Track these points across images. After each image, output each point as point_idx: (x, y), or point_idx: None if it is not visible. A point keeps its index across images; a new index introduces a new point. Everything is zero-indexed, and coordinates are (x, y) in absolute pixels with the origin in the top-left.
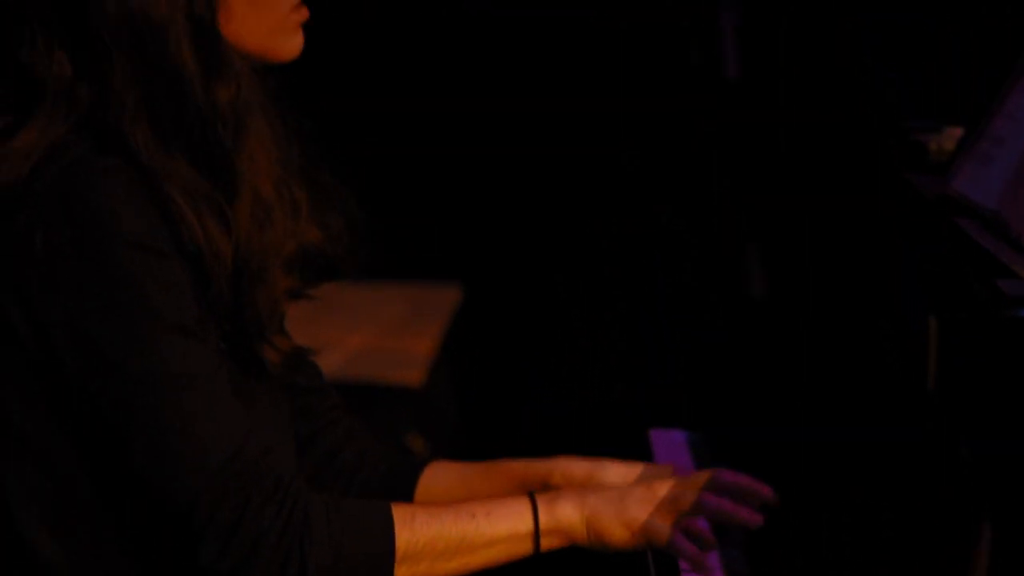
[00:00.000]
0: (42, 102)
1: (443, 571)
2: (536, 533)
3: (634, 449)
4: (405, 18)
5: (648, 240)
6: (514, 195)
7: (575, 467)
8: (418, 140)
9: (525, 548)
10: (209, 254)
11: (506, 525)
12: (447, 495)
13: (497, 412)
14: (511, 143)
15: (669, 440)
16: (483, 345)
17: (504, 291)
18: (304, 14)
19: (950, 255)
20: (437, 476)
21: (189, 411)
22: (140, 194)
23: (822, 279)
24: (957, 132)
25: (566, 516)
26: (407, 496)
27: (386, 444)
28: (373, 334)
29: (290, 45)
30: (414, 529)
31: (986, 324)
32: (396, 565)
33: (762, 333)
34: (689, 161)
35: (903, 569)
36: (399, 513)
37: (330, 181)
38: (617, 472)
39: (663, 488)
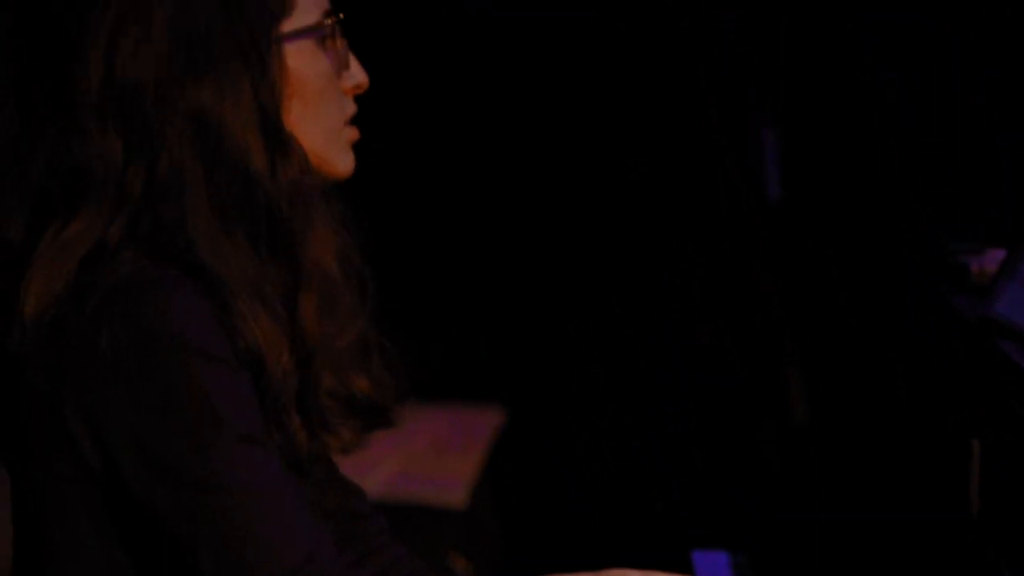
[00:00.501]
0: (92, 194)
1: None
2: None
3: (676, 569)
4: (401, 20)
5: (692, 354)
6: (556, 300)
7: None
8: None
9: None
10: (269, 352)
11: None
12: None
13: (540, 532)
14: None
15: (712, 561)
16: (525, 466)
17: (545, 412)
18: (355, 134)
19: (992, 378)
20: None
21: (259, 519)
22: (203, 299)
23: (862, 393)
24: (999, 254)
25: None
26: None
27: (430, 566)
28: (416, 455)
29: (343, 162)
30: None
31: None
32: None
33: (806, 448)
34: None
35: None
36: None
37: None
38: None
39: None
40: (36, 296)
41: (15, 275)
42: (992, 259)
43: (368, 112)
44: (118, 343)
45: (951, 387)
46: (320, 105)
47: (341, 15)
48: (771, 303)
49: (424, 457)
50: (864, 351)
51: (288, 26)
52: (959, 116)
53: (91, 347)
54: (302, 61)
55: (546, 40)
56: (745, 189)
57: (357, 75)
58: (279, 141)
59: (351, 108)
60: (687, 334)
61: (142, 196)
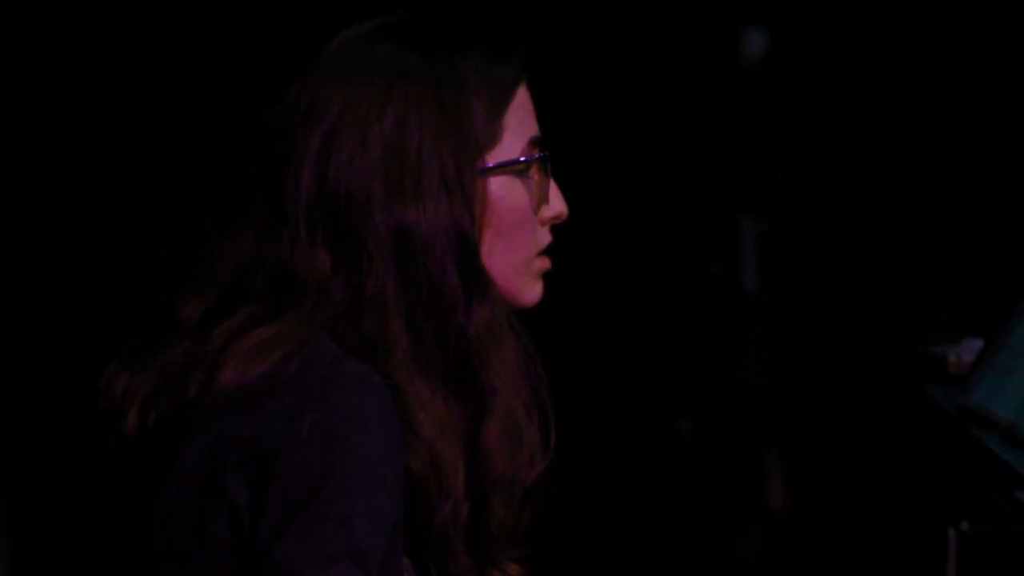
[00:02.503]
0: (297, 296)
1: None
2: None
3: None
4: None
5: (673, 448)
6: None
7: None
8: None
9: None
10: (443, 479)
11: None
12: None
13: None
14: None
15: None
16: None
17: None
18: (547, 264)
19: (969, 467)
20: None
21: None
22: (388, 410)
23: (841, 483)
24: (976, 344)
25: None
26: None
27: None
28: None
29: (531, 291)
30: None
31: (1006, 536)
32: None
33: (785, 536)
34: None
35: None
36: None
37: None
38: None
39: None
40: (231, 377)
41: (189, 353)
42: (969, 349)
43: None
44: (299, 425)
45: (929, 476)
46: (515, 236)
47: (546, 151)
48: (748, 392)
49: None
50: (843, 441)
51: (493, 158)
52: (978, 328)
53: (276, 431)
54: (502, 192)
55: None
56: (724, 280)
57: (556, 206)
58: (476, 276)
59: (546, 239)
60: (664, 429)
61: (346, 307)
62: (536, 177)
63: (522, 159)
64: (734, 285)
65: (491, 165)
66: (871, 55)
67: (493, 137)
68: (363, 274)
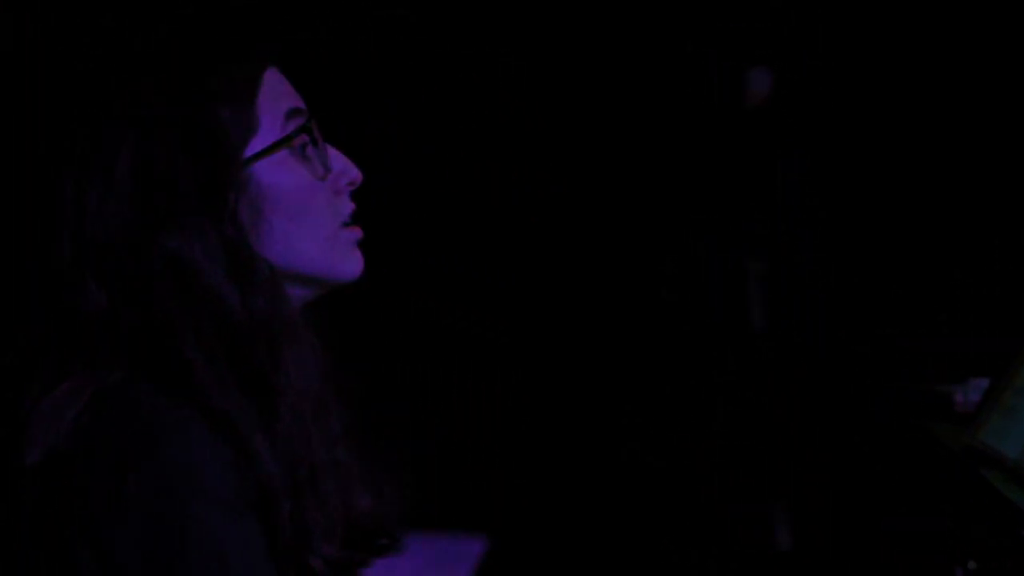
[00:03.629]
0: (82, 339)
1: None
2: None
3: None
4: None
5: (680, 485)
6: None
7: None
8: None
9: None
10: (279, 486)
11: None
12: None
13: None
14: None
15: None
16: None
17: (527, 542)
18: (357, 232)
19: (976, 506)
20: None
21: None
22: (220, 444)
23: (847, 522)
24: (982, 383)
25: None
26: None
27: None
28: None
29: (348, 264)
30: None
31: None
32: None
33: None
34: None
35: None
36: None
37: (375, 450)
38: None
39: None
40: (43, 436)
41: (15, 405)
42: (975, 389)
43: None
44: (131, 483)
45: (936, 515)
46: (307, 215)
47: (310, 119)
48: (755, 431)
49: None
50: (849, 481)
51: (255, 146)
52: (985, 367)
53: (106, 485)
54: (274, 178)
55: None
56: (730, 319)
57: (347, 172)
58: (246, 271)
59: (346, 208)
60: (672, 466)
61: (139, 341)
62: (311, 151)
63: (285, 138)
64: (742, 325)
65: (248, 155)
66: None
67: (249, 129)
68: (149, 307)
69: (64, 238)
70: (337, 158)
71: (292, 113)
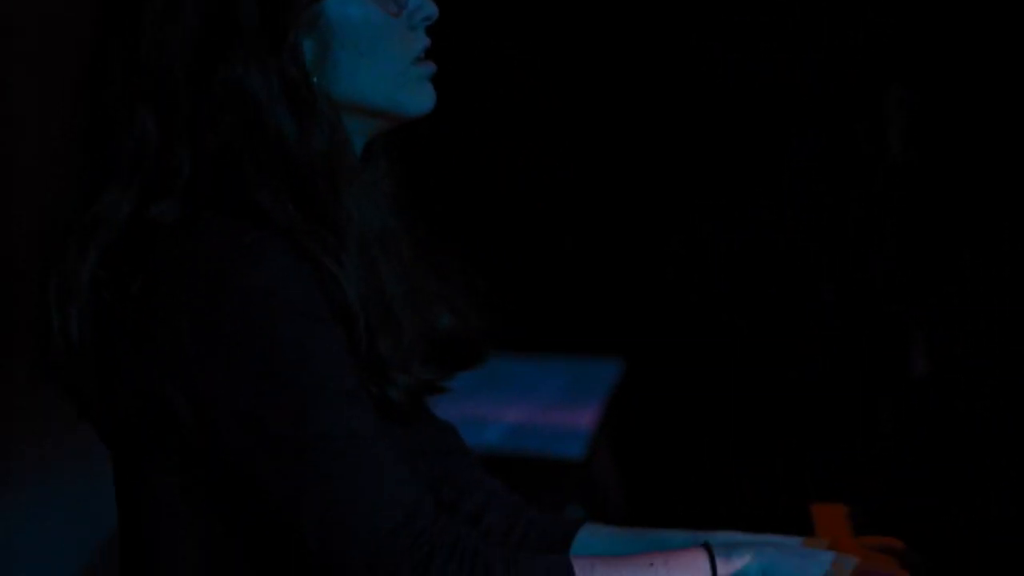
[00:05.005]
0: (135, 175)
1: None
2: None
3: (795, 522)
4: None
5: (805, 316)
6: (669, 263)
7: (738, 539)
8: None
9: None
10: (357, 306)
11: (683, 574)
12: (600, 552)
13: (658, 485)
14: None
15: (831, 514)
16: (644, 419)
17: (664, 365)
18: (430, 67)
19: None
20: (591, 535)
21: (359, 480)
22: (294, 257)
23: (984, 349)
24: None
25: (744, 564)
26: (563, 551)
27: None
28: (534, 408)
29: (415, 100)
30: None
31: None
32: None
33: (923, 410)
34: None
35: None
36: (579, 566)
37: (455, 261)
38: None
39: (846, 556)
40: (112, 279)
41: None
42: None
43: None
44: (217, 311)
45: None
46: (377, 50)
47: None
48: (893, 261)
49: (543, 410)
50: (986, 309)
51: None
52: None
53: (188, 321)
54: (347, 10)
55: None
56: (870, 148)
57: (422, 8)
58: (307, 107)
59: (421, 43)
60: (808, 291)
61: (196, 172)
62: None
63: None
64: (878, 151)
65: None
66: None
67: None
68: (202, 136)
69: (117, 67)
70: None
71: None
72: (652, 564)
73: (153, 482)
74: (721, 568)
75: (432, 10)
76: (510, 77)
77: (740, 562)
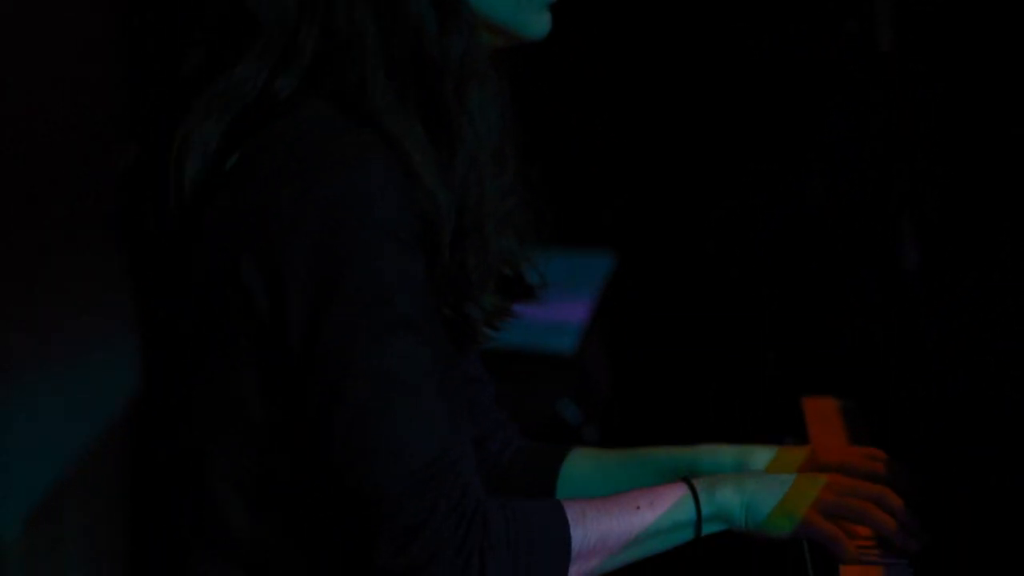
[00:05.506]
0: (260, 44)
1: (610, 565)
2: (698, 521)
3: (786, 416)
4: None
5: (800, 210)
6: (663, 155)
7: (722, 453)
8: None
9: (686, 536)
10: (445, 223)
11: (670, 516)
12: (587, 483)
13: (649, 379)
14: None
15: (822, 407)
16: (635, 313)
17: (656, 259)
18: None
19: None
20: (577, 464)
21: (399, 413)
22: (395, 171)
23: (974, 239)
24: None
25: (726, 501)
26: (550, 483)
27: (533, 422)
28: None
29: (535, 24)
30: (586, 529)
31: None
32: (570, 565)
33: (915, 304)
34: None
35: None
36: (572, 513)
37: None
38: (764, 457)
39: (826, 482)
40: (203, 145)
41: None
42: None
43: None
44: (306, 204)
45: None
46: None
47: None
48: (879, 148)
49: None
50: (977, 197)
51: None
52: None
53: (277, 202)
54: None
55: None
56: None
57: None
58: (449, 7)
59: None
60: (798, 181)
61: (319, 55)
62: None
63: None
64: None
65: None
66: None
67: None
68: (335, 20)
69: None
70: None
71: None
72: (639, 508)
73: (211, 380)
74: (705, 507)
75: None
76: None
77: (722, 497)
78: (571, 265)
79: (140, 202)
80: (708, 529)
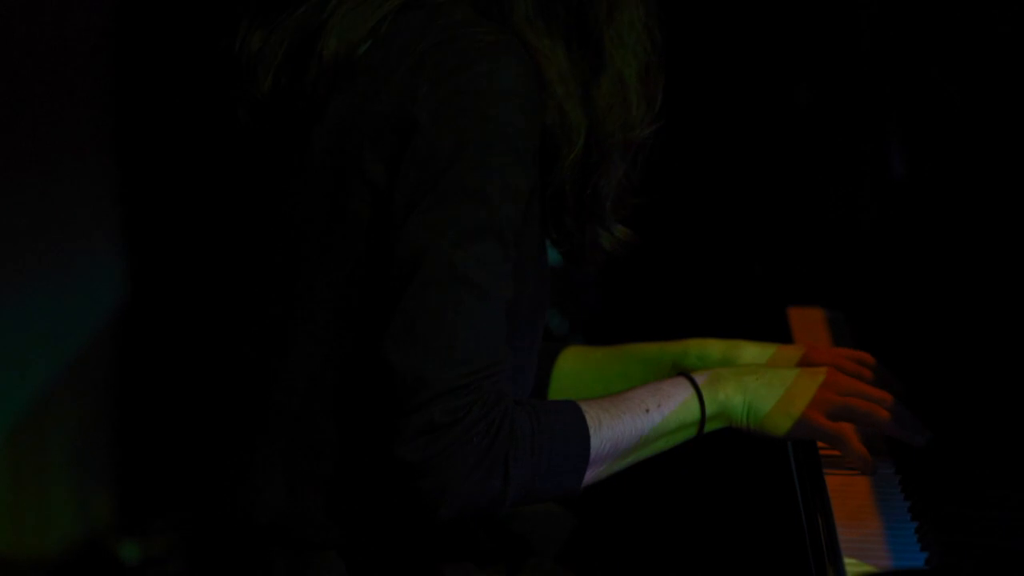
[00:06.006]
0: None
1: (619, 466)
2: (702, 421)
3: (773, 326)
4: None
5: (787, 122)
6: None
7: (710, 348)
8: None
9: (691, 434)
10: (572, 137)
11: (676, 418)
12: (578, 379)
13: (635, 287)
14: None
15: (807, 317)
16: (624, 225)
17: (644, 171)
18: None
19: None
20: (571, 360)
21: (462, 313)
22: (525, 76)
23: (962, 150)
24: None
25: (729, 400)
26: (544, 379)
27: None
28: None
29: None
30: (601, 435)
31: None
32: (587, 471)
33: (902, 216)
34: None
35: None
36: (590, 420)
37: None
38: (752, 353)
39: (824, 380)
40: (340, 45)
41: (309, 14)
42: None
43: None
44: (435, 90)
45: None
46: None
47: None
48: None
49: None
50: (963, 108)
51: None
52: None
53: (406, 93)
54: None
55: None
56: None
57: None
58: None
59: None
60: (785, 94)
61: None
62: None
63: None
64: None
65: None
66: None
67: None
68: None
69: None
70: None
71: None
72: (648, 411)
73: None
74: (708, 407)
75: None
76: None
77: (724, 395)
78: None
79: (244, 86)
80: (711, 427)
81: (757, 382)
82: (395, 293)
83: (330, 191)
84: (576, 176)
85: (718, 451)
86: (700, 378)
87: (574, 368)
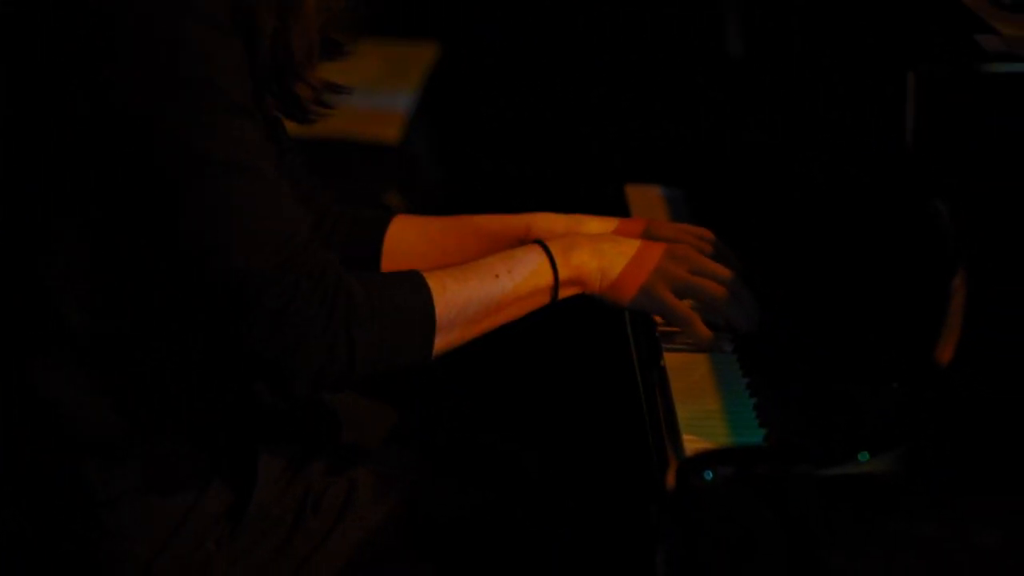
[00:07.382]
0: None
1: (472, 334)
2: (556, 286)
3: (610, 203)
4: None
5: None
6: None
7: (553, 222)
8: None
9: (544, 300)
10: (261, 11)
11: (528, 282)
12: (412, 250)
13: (476, 169)
14: None
15: (645, 195)
16: (460, 102)
17: (482, 48)
18: None
19: (929, 10)
20: (403, 231)
21: (246, 194)
22: None
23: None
24: None
25: (583, 265)
26: (375, 251)
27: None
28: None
29: None
30: (447, 299)
31: (963, 79)
32: (435, 336)
33: (742, 93)
34: None
35: (882, 329)
36: (433, 284)
37: None
38: (595, 227)
39: (671, 251)
40: None
41: None
42: None
43: None
44: (128, 6)
45: (889, 19)
46: None
47: None
48: None
49: (357, 93)
50: None
51: None
52: None
53: (95, 16)
54: None
55: None
56: None
57: None
58: None
59: None
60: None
61: None
62: None
63: None
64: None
65: None
66: None
67: None
68: None
69: None
70: None
71: None
72: (498, 276)
73: (46, 201)
74: (562, 270)
75: None
76: None
77: (579, 260)
78: (395, 54)
79: None
80: (565, 293)
81: (613, 249)
82: (167, 208)
83: (49, 111)
84: (278, 44)
85: (554, 329)
86: (553, 245)
87: (407, 239)
